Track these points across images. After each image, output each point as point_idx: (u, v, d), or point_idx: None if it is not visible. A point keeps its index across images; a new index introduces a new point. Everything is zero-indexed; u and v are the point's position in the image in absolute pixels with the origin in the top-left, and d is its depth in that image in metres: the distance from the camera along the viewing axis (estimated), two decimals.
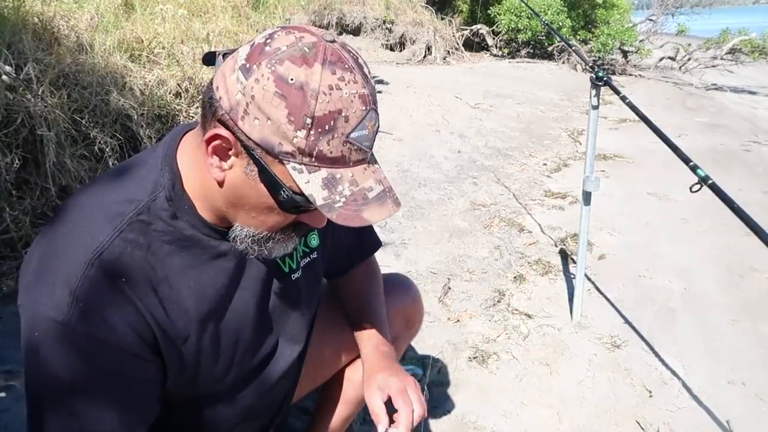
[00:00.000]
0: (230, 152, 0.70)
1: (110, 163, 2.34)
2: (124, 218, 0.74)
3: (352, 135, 0.67)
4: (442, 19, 9.31)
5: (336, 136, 0.66)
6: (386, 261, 2.54)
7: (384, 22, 8.11)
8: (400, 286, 1.26)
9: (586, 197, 2.00)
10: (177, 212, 0.77)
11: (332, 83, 0.65)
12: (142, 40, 3.00)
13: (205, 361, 0.84)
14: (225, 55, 0.72)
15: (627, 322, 2.19)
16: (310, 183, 0.67)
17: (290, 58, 0.65)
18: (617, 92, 1.80)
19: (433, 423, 1.65)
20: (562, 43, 6.06)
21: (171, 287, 0.77)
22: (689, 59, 9.21)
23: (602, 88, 1.85)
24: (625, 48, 9.48)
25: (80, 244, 0.72)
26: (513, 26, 9.44)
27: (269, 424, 1.06)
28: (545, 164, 4.26)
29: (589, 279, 2.48)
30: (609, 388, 1.82)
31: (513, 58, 9.78)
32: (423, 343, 2.00)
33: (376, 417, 0.91)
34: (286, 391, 1.06)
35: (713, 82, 8.90)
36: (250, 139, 0.67)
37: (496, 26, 9.72)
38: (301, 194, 0.69)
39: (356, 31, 7.98)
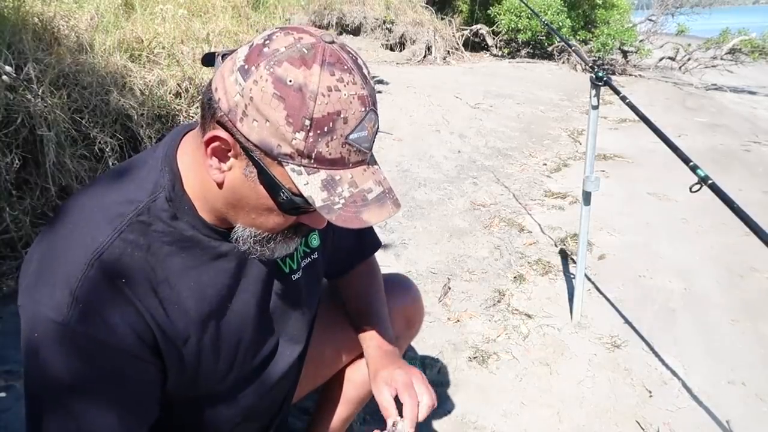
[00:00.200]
0: (229, 154, 0.70)
1: (110, 163, 2.34)
2: (124, 219, 0.74)
3: (351, 136, 0.67)
4: (442, 19, 9.31)
5: (335, 137, 0.66)
6: (386, 261, 2.54)
7: (384, 22, 8.11)
8: (400, 286, 1.26)
9: (586, 197, 2.00)
10: (177, 213, 0.77)
11: (331, 84, 0.65)
12: (142, 40, 3.00)
13: (205, 361, 0.84)
14: (224, 56, 0.72)
15: (627, 322, 2.19)
16: (309, 185, 0.67)
17: (289, 59, 0.65)
18: (617, 92, 1.80)
19: (433, 423, 1.65)
20: (562, 43, 6.06)
21: (171, 288, 0.77)
22: (689, 59, 9.20)
23: (602, 88, 1.85)
24: (625, 48, 9.48)
25: (80, 244, 0.72)
26: (513, 26, 9.44)
27: (269, 424, 1.06)
28: (545, 164, 4.26)
29: (589, 279, 2.48)
30: (609, 388, 1.82)
31: (513, 58, 9.77)
32: (423, 343, 2.00)
33: (386, 411, 0.91)
34: (286, 391, 1.06)
35: (713, 82, 8.90)
36: (248, 140, 0.67)
37: (496, 26, 9.71)
38: (301, 196, 0.69)
39: (356, 31, 7.98)
